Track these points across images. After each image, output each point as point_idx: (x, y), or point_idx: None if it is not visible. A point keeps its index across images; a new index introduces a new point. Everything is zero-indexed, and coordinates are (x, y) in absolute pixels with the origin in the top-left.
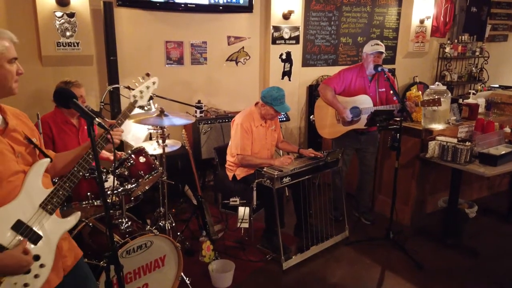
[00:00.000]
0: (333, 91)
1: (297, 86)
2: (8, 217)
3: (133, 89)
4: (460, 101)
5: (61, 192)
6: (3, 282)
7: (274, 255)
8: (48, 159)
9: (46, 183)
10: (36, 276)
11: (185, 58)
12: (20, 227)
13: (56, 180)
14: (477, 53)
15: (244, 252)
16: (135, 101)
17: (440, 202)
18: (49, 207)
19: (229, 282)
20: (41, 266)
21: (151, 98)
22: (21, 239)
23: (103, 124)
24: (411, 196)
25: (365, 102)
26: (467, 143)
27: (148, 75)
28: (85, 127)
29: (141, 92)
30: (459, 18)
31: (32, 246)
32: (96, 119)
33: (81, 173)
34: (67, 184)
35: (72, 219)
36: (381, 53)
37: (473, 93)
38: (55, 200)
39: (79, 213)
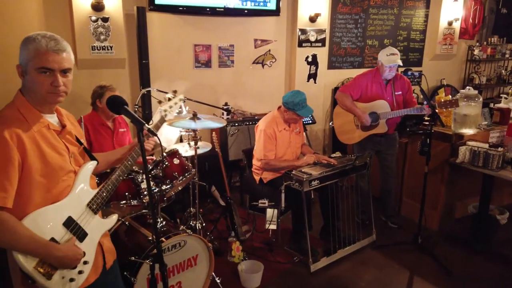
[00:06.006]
0: (350, 98)
1: (322, 88)
2: (61, 213)
3: (165, 96)
4: (491, 105)
5: (104, 194)
6: (54, 275)
7: (302, 257)
8: (96, 162)
9: (92, 184)
10: (80, 272)
11: (213, 61)
12: (70, 223)
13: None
14: (507, 55)
15: (271, 254)
16: (166, 115)
17: (470, 207)
18: (94, 206)
19: (258, 282)
20: (85, 263)
21: (183, 101)
22: (71, 235)
23: (153, 130)
24: (440, 201)
25: (382, 107)
26: (500, 149)
27: (175, 92)
28: (119, 130)
29: (170, 107)
30: (489, 20)
31: (78, 243)
32: (146, 125)
33: (121, 178)
34: (110, 187)
35: (112, 220)
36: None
37: (505, 97)
38: (99, 200)
39: (116, 215)
